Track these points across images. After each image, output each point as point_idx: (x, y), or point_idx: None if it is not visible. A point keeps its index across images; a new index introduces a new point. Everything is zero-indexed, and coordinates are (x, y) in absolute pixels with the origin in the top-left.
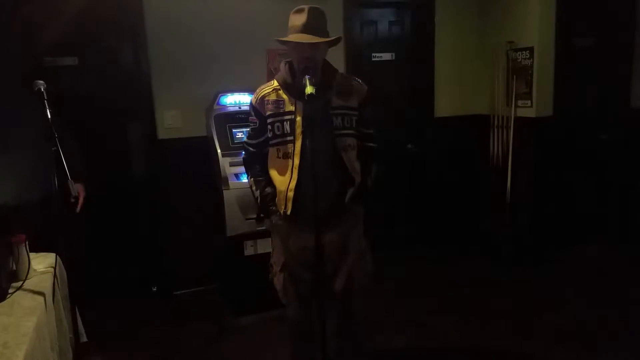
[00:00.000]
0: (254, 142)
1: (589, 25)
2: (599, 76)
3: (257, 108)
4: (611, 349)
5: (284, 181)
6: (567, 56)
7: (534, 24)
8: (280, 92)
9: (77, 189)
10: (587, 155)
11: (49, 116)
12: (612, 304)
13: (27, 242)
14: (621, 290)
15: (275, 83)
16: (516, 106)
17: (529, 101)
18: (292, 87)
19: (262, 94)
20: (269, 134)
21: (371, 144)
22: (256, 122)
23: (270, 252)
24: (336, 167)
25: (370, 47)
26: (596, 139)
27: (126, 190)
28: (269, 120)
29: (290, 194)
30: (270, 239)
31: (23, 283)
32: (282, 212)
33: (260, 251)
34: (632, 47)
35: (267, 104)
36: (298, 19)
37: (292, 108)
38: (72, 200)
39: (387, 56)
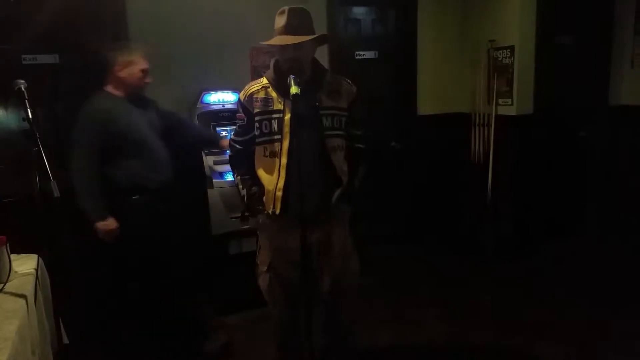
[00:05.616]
0: (240, 139)
1: (569, 24)
2: (578, 74)
3: (245, 105)
4: (594, 342)
5: (272, 180)
6: (547, 55)
7: (515, 22)
8: (270, 90)
9: None
10: (567, 152)
11: (30, 116)
12: (593, 297)
13: (7, 244)
14: (601, 283)
15: (264, 80)
16: (497, 104)
17: (510, 99)
18: (280, 86)
19: (251, 91)
20: (256, 132)
21: (360, 145)
22: (244, 119)
23: (255, 251)
24: (324, 168)
25: (354, 45)
26: (575, 136)
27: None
28: (256, 118)
29: (279, 193)
30: (255, 238)
31: (4, 286)
32: (270, 211)
33: (245, 250)
34: (611, 45)
35: (256, 102)
36: (280, 21)
37: (280, 107)
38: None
39: (370, 54)
